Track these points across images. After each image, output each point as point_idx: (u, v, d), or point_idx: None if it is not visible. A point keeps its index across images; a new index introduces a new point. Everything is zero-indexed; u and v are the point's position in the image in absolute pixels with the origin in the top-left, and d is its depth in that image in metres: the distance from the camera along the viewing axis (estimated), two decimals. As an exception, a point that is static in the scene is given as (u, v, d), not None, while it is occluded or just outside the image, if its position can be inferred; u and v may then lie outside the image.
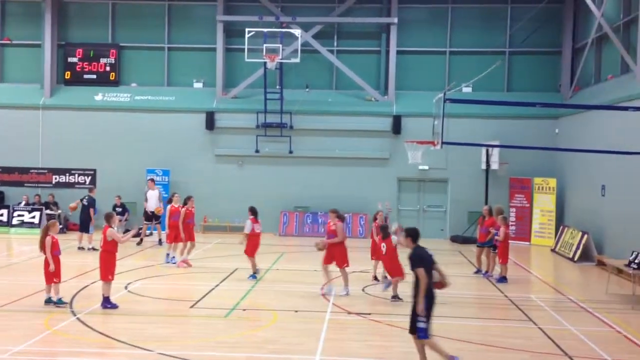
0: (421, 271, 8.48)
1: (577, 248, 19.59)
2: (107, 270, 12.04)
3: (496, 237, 15.85)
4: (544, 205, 23.30)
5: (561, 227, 21.93)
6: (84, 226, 19.81)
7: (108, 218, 12.32)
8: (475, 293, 14.82)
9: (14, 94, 25.64)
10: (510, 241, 16.36)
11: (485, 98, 23.15)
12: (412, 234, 8.99)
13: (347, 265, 13.96)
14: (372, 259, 15.55)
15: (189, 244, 17.03)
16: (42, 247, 11.98)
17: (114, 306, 11.99)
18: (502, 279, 15.74)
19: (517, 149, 22.16)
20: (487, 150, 23.65)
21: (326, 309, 12.43)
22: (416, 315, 8.61)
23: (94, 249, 19.01)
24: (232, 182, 24.75)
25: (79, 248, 19.52)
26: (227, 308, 12.25)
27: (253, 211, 15.38)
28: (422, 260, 8.62)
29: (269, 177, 24.98)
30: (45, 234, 12.03)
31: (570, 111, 22.72)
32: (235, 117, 25.07)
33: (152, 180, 21.85)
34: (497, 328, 11.46)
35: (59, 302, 12.00)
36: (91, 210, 19.81)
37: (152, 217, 21.35)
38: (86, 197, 20.16)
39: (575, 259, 19.47)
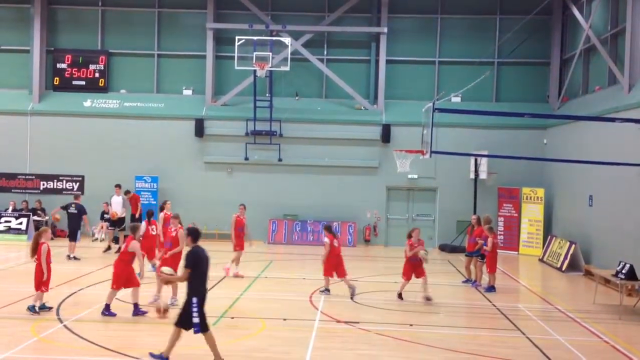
0: (187, 272, 9.01)
1: (565, 258, 19.68)
2: (119, 279, 12.00)
3: (484, 247, 15.90)
4: (532, 215, 23.41)
5: (549, 237, 22.03)
6: (72, 234, 19.63)
7: (134, 230, 12.37)
8: (463, 302, 14.84)
9: (1, 99, 25.48)
10: (498, 251, 16.44)
11: (474, 108, 23.23)
12: (193, 234, 9.32)
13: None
14: (404, 279, 14.35)
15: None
16: (34, 253, 11.79)
17: (112, 314, 11.89)
18: (491, 288, 15.79)
19: (506, 159, 22.29)
20: (476, 160, 23.77)
21: (315, 317, 12.41)
22: (189, 311, 9.00)
23: (75, 258, 18.84)
24: (221, 190, 24.70)
25: (71, 257, 19.17)
26: (216, 316, 12.17)
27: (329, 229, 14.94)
28: (195, 260, 9.05)
29: (258, 184, 24.96)
30: (37, 241, 11.87)
31: (558, 122, 22.88)
32: (225, 125, 25.05)
33: (119, 185, 21.65)
34: (485, 337, 11.47)
35: (42, 307, 11.88)
36: (84, 217, 19.72)
37: (116, 223, 21.15)
38: (72, 204, 19.92)
39: (563, 268, 19.55)
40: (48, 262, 11.84)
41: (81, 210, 19.71)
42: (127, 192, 21.67)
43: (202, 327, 9.09)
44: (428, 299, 14.08)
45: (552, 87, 24.82)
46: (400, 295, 14.29)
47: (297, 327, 11.57)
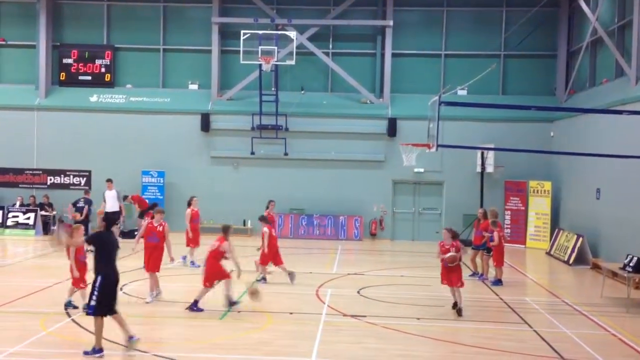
0: (85, 244, 9.92)
1: (572, 251, 19.64)
2: (211, 276, 12.16)
3: (491, 242, 15.86)
4: (539, 208, 23.34)
5: (556, 230, 21.97)
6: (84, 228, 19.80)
7: (226, 230, 12.50)
8: (470, 296, 14.76)
9: (8, 94, 25.56)
10: (505, 244, 16.39)
11: (480, 101, 23.16)
12: (107, 220, 9.87)
13: None
14: (443, 283, 12.94)
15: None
16: (68, 252, 11.71)
17: (199, 310, 12.07)
18: (497, 281, 15.77)
19: (513, 152, 22.21)
20: (483, 153, 23.70)
21: (321, 311, 12.42)
22: (92, 291, 9.28)
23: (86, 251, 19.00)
24: (228, 184, 24.73)
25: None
26: (222, 310, 12.22)
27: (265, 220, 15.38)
28: (101, 241, 9.44)
29: (264, 179, 24.97)
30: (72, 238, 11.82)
31: (565, 114, 22.78)
32: (231, 119, 25.06)
33: (110, 180, 21.46)
34: (492, 331, 11.47)
35: (68, 305, 11.85)
36: (85, 208, 19.91)
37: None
38: (82, 199, 20.20)
39: (570, 262, 19.51)
40: (80, 259, 11.73)
41: (88, 204, 19.95)
42: (125, 198, 21.11)
43: (98, 311, 9.18)
44: (457, 309, 12.49)
45: (559, 79, 24.71)
46: (454, 305, 12.58)
47: (303, 321, 11.58)
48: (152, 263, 12.91)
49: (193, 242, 17.15)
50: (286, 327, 11.19)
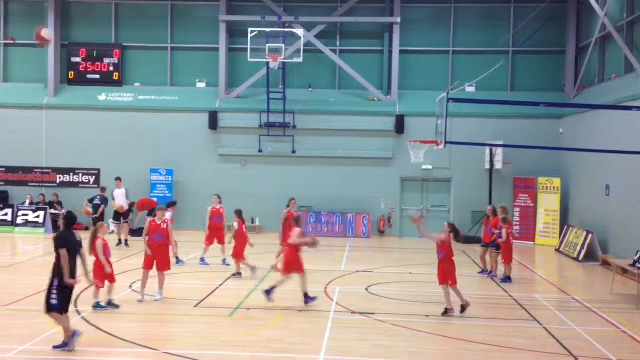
0: (64, 252, 9.28)
1: (582, 248, 19.55)
2: (290, 265, 12.46)
3: (499, 239, 15.81)
4: (548, 205, 23.26)
5: (566, 227, 21.88)
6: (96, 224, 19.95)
7: (298, 221, 12.91)
8: (479, 293, 14.77)
9: (17, 93, 25.67)
10: (514, 241, 16.34)
11: (488, 98, 23.18)
12: (67, 219, 9.76)
13: None
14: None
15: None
16: (92, 250, 11.72)
17: (312, 299, 12.37)
18: (506, 278, 15.73)
19: (521, 149, 22.12)
20: (491, 150, 23.64)
21: (330, 308, 12.43)
22: (50, 293, 9.26)
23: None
24: (236, 182, 24.74)
25: None
26: (232, 307, 12.25)
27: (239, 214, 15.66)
28: (67, 242, 9.38)
29: (272, 176, 24.99)
30: (94, 236, 11.75)
31: (574, 111, 22.68)
32: (239, 117, 25.08)
33: (119, 179, 21.45)
34: (501, 328, 11.43)
35: (109, 305, 11.88)
36: (102, 207, 20.16)
37: (120, 216, 20.80)
38: (98, 197, 20.40)
39: (580, 258, 19.42)
40: (106, 257, 11.74)
41: (104, 202, 20.25)
42: (132, 205, 21.06)
43: (62, 307, 9.31)
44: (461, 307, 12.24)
45: (567, 75, 24.59)
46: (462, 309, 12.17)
47: (312, 318, 11.59)
48: (162, 262, 12.90)
49: (208, 239, 17.07)
50: (295, 324, 11.20)
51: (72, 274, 9.33)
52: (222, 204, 17.57)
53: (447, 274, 12.06)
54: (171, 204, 17.50)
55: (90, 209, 20.55)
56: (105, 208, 20.41)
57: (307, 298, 12.44)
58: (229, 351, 9.53)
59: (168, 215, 16.75)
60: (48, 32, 10.16)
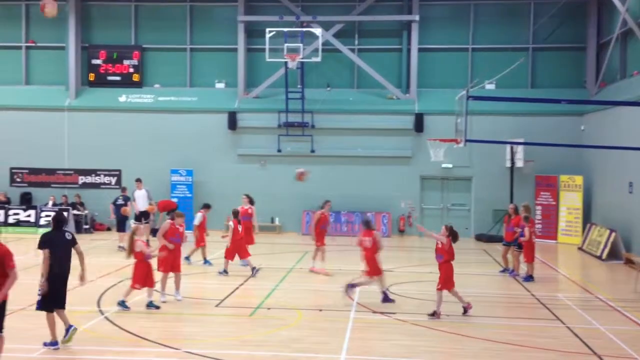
0: (46, 252, 9.38)
1: (605, 246, 19.33)
2: (374, 268, 12.77)
3: (521, 237, 15.68)
4: (570, 202, 23.03)
5: (588, 225, 21.66)
6: (121, 225, 20.12)
7: (368, 224, 13.14)
8: (501, 292, 14.68)
9: (39, 96, 25.98)
10: (536, 239, 16.18)
11: (509, 95, 22.92)
12: (55, 219, 9.86)
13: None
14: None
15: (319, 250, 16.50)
16: (132, 252, 11.87)
17: (390, 301, 12.63)
18: (529, 277, 15.59)
19: (543, 146, 21.91)
20: (512, 148, 23.45)
21: (350, 308, 12.40)
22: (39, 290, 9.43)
23: (123, 248, 19.42)
24: (255, 182, 24.75)
25: (120, 247, 19.75)
26: (252, 307, 12.29)
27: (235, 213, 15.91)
28: (49, 243, 9.48)
29: (292, 176, 24.92)
30: (132, 239, 11.91)
31: (596, 107, 22.42)
32: (257, 117, 25.15)
33: (139, 180, 21.47)
34: (523, 327, 11.33)
35: (122, 304, 11.97)
36: (127, 204, 20.33)
37: (141, 217, 20.77)
38: (120, 197, 20.58)
39: (603, 257, 19.21)
40: (147, 256, 11.87)
41: (126, 202, 20.48)
42: (150, 204, 21.04)
43: (43, 306, 9.46)
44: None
45: (589, 72, 24.33)
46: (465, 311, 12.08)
47: (333, 318, 11.58)
48: (177, 263, 13.00)
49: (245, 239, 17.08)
50: (316, 323, 11.20)
51: (56, 270, 9.43)
52: (253, 204, 17.49)
53: (447, 279, 11.80)
54: (206, 206, 17.50)
55: (114, 214, 20.64)
56: (127, 208, 20.53)
57: (386, 297, 12.72)
58: (251, 350, 9.56)
59: (199, 216, 16.90)
60: (51, 7, 10.36)
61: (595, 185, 22.69)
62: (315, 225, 16.32)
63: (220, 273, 15.60)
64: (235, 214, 15.87)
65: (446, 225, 12.18)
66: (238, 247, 15.62)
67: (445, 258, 11.87)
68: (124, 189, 21.35)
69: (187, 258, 16.97)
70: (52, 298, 9.51)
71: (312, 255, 16.44)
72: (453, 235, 11.98)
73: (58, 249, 9.56)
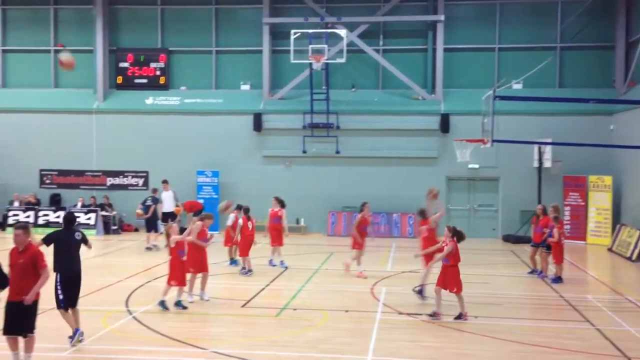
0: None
1: (635, 247, 19.02)
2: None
3: (549, 238, 15.50)
4: (599, 203, 22.71)
5: (618, 226, 21.33)
6: (151, 225, 20.33)
7: (424, 214, 13.43)
8: (529, 294, 14.53)
9: (68, 99, 26.36)
10: (565, 240, 15.98)
11: (536, 94, 22.70)
12: (63, 218, 10.17)
13: None
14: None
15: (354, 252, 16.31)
16: (169, 250, 12.07)
17: (423, 298, 12.84)
18: (557, 279, 15.40)
19: (571, 146, 21.63)
20: (540, 148, 23.18)
21: (376, 309, 12.37)
22: (55, 288, 9.68)
23: (154, 246, 19.99)
24: (280, 183, 24.80)
25: (147, 248, 19.98)
26: (278, 307, 12.32)
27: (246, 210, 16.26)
28: (53, 240, 9.71)
29: (317, 177, 25.03)
30: (168, 237, 12.10)
31: (625, 107, 22.06)
32: (282, 118, 25.21)
33: (166, 181, 21.68)
34: (552, 329, 11.20)
35: (161, 304, 12.07)
36: (152, 207, 20.56)
37: (167, 218, 20.70)
38: (150, 198, 20.81)
39: (633, 258, 18.90)
40: (176, 256, 12.00)
41: (155, 203, 20.74)
42: (177, 205, 21.17)
43: (64, 304, 9.70)
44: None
45: (617, 71, 23.96)
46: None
47: (359, 319, 11.56)
48: (205, 263, 13.10)
49: (275, 241, 17.14)
50: (342, 324, 11.19)
51: (67, 268, 9.71)
52: (284, 206, 17.50)
53: (449, 280, 11.60)
54: (239, 208, 17.54)
55: (141, 211, 20.89)
56: (156, 208, 20.75)
57: (421, 291, 13.02)
58: (277, 351, 9.58)
59: (232, 217, 17.01)
60: (67, 57, 10.67)
61: (624, 185, 22.33)
62: (356, 228, 15.95)
63: (242, 273, 15.67)
64: (246, 210, 16.12)
65: (449, 227, 11.96)
66: (249, 243, 15.85)
67: (451, 262, 11.63)
68: (154, 190, 21.51)
69: (233, 261, 17.17)
70: (71, 296, 9.72)
71: (357, 261, 15.97)
72: (458, 235, 11.75)
73: (65, 248, 9.75)
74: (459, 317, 11.53)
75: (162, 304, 11.95)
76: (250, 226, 16.00)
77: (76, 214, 24.02)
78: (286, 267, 16.79)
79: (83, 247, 10.16)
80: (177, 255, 11.99)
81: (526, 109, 23.11)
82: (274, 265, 16.94)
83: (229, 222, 17.08)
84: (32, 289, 8.26)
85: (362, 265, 15.92)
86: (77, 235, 10.01)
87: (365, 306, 12.54)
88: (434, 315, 11.60)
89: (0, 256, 8.85)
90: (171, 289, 12.04)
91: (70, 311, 9.79)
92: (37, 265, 8.33)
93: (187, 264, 12.60)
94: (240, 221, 15.96)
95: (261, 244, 17.39)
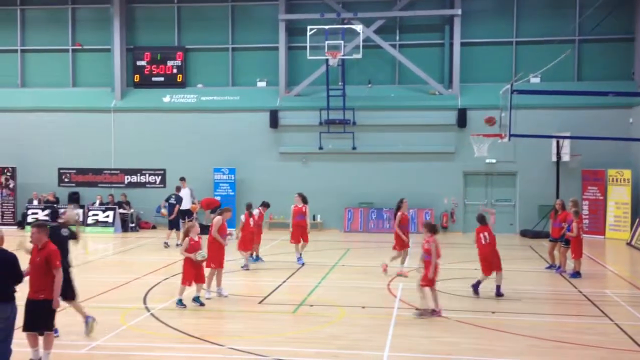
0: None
1: (655, 241, 18.82)
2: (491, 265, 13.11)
3: (567, 233, 15.36)
4: (618, 197, 22.47)
5: (637, 220, 21.12)
6: (173, 223, 20.41)
7: (483, 220, 13.36)
8: (547, 289, 14.42)
9: (86, 97, 26.59)
10: (583, 235, 15.83)
11: (554, 88, 22.55)
12: (50, 216, 10.21)
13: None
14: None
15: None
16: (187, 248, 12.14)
17: (501, 295, 12.92)
18: (576, 274, 15.27)
19: (590, 140, 21.41)
20: (558, 142, 23.00)
21: (393, 305, 12.35)
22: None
23: (178, 245, 19.89)
24: (297, 180, 24.85)
25: (165, 244, 20.10)
26: (295, 304, 12.34)
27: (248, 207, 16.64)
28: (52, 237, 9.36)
29: (333, 173, 25.02)
30: (185, 236, 12.15)
31: (645, 99, 21.81)
32: (299, 115, 25.22)
33: (183, 179, 21.78)
34: (571, 324, 11.12)
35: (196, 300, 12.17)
36: (176, 206, 20.53)
37: (184, 216, 20.93)
38: (173, 196, 20.86)
39: (653, 253, 18.70)
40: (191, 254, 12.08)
41: (179, 201, 20.68)
42: (193, 203, 21.55)
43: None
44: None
45: (637, 63, 23.68)
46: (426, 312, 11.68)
47: (376, 315, 11.55)
48: (223, 259, 13.17)
49: (298, 238, 17.11)
50: (359, 321, 11.18)
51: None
52: (307, 203, 17.37)
53: (430, 278, 11.51)
54: (264, 205, 17.71)
55: (165, 211, 20.95)
56: (180, 207, 20.75)
57: (499, 291, 13.04)
58: (294, 347, 9.60)
59: (256, 212, 17.08)
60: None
61: (645, 179, 22.08)
62: (398, 227, 15.61)
63: (249, 266, 16.09)
64: (248, 207, 16.51)
65: (423, 223, 12.12)
66: (249, 239, 16.14)
67: (430, 258, 11.53)
68: (178, 189, 21.50)
69: (257, 257, 17.28)
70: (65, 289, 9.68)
71: (401, 260, 15.68)
72: (434, 229, 11.71)
73: (60, 245, 9.71)
74: (422, 313, 11.38)
75: (180, 302, 12.01)
76: (252, 222, 16.22)
77: (94, 212, 24.41)
78: (302, 264, 16.78)
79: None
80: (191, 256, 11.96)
81: (544, 103, 22.92)
82: (303, 264, 16.81)
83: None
84: (54, 293, 8.37)
85: (400, 266, 15.53)
86: (65, 232, 10.26)
87: (382, 302, 12.53)
88: (422, 313, 11.39)
89: (18, 255, 8.93)
90: (186, 287, 12.09)
91: (71, 304, 9.95)
92: (50, 264, 8.42)
93: (210, 260, 12.65)
94: (242, 217, 16.16)
95: (277, 240, 17.38)
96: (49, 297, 8.41)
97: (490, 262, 13.07)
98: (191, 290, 12.27)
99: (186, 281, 12.00)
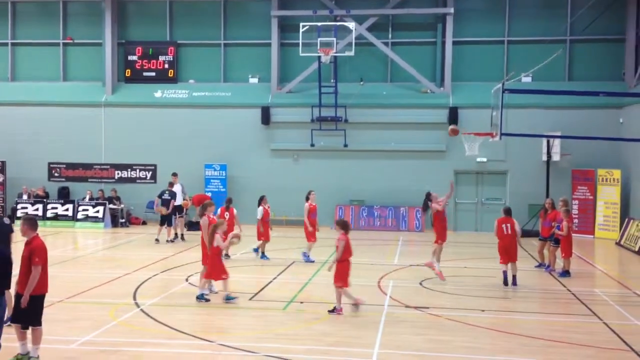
0: None
1: (644, 241, 18.94)
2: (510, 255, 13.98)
3: (557, 232, 15.44)
4: (608, 197, 22.60)
5: (626, 220, 21.24)
6: (166, 219, 20.38)
7: (509, 212, 14.45)
8: (537, 287, 14.49)
9: (76, 92, 26.44)
10: (572, 234, 15.92)
11: (545, 88, 22.64)
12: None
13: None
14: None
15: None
16: (211, 244, 12.20)
17: (513, 284, 13.84)
18: (565, 273, 15.36)
19: (580, 140, 21.51)
20: (548, 141, 23.08)
21: (383, 302, 12.37)
22: None
23: (171, 241, 20.20)
24: (288, 176, 24.87)
25: (156, 240, 20.06)
26: (285, 300, 12.34)
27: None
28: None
29: (324, 170, 25.02)
30: (214, 232, 12.16)
31: (635, 100, 21.91)
32: (291, 112, 25.19)
33: (175, 174, 21.66)
34: (559, 323, 11.19)
35: (229, 298, 12.17)
36: (172, 202, 20.47)
37: (175, 211, 20.88)
38: (166, 191, 20.78)
39: (642, 252, 18.83)
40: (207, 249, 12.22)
41: (173, 197, 20.63)
42: (184, 199, 21.40)
43: None
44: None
45: (627, 64, 23.79)
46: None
47: (366, 312, 11.55)
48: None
49: (312, 236, 17.03)
50: (349, 318, 11.19)
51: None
52: (313, 200, 17.27)
53: (340, 275, 11.44)
54: (226, 200, 17.68)
55: (162, 208, 20.77)
56: (174, 203, 20.70)
57: (506, 279, 13.93)
58: (284, 344, 9.60)
59: (260, 210, 17.05)
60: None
61: (633, 179, 22.21)
62: (435, 222, 15.09)
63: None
64: (228, 201, 16.80)
65: (336, 221, 12.30)
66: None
67: (343, 256, 11.44)
68: (170, 184, 21.44)
69: (263, 255, 17.26)
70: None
71: (437, 257, 14.84)
72: (343, 226, 11.56)
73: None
74: (333, 310, 11.34)
75: (229, 297, 12.08)
76: (227, 216, 16.02)
77: (84, 207, 24.32)
78: (307, 261, 16.77)
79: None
80: (218, 252, 12.13)
81: (535, 102, 23.00)
82: (313, 262, 16.75)
83: (258, 216, 17.13)
84: (26, 289, 8.26)
85: (437, 263, 14.87)
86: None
87: (372, 299, 12.52)
88: (333, 310, 11.35)
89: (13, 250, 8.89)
90: (206, 281, 12.35)
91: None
92: (31, 260, 8.34)
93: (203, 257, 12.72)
94: (218, 211, 15.96)
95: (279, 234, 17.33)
96: (34, 293, 8.35)
97: (509, 252, 13.93)
98: (187, 287, 12.26)
99: (221, 275, 12.04)
